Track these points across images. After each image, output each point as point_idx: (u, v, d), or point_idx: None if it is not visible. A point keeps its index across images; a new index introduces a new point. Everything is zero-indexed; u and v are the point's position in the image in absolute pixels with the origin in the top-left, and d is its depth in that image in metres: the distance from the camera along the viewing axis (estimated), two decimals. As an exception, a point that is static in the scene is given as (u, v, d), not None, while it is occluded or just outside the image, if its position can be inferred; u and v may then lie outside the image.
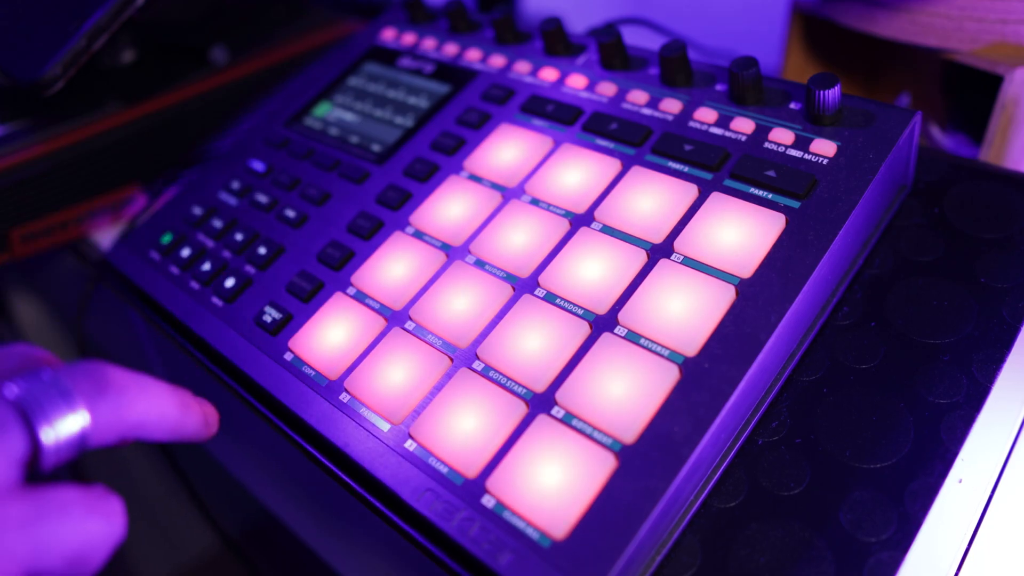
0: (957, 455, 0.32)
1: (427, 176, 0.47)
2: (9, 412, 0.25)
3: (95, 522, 0.25)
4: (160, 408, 0.29)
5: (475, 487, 0.32)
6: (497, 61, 0.52)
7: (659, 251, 0.37)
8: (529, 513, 0.31)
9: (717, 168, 0.39)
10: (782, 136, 0.39)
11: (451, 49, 0.55)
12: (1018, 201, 0.38)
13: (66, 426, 0.25)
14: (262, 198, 0.51)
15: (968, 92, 0.57)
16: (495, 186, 0.44)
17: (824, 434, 0.34)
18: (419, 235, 0.44)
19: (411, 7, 0.59)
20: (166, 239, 0.52)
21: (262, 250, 0.47)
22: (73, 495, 0.25)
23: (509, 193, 0.43)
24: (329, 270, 0.44)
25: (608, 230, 0.39)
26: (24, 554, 0.23)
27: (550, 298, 0.37)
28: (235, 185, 0.53)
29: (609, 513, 0.30)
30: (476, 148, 0.46)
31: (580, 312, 0.36)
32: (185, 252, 0.50)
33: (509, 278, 0.39)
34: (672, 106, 0.43)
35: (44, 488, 0.25)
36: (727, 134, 0.40)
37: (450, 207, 0.44)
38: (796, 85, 0.41)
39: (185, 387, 0.31)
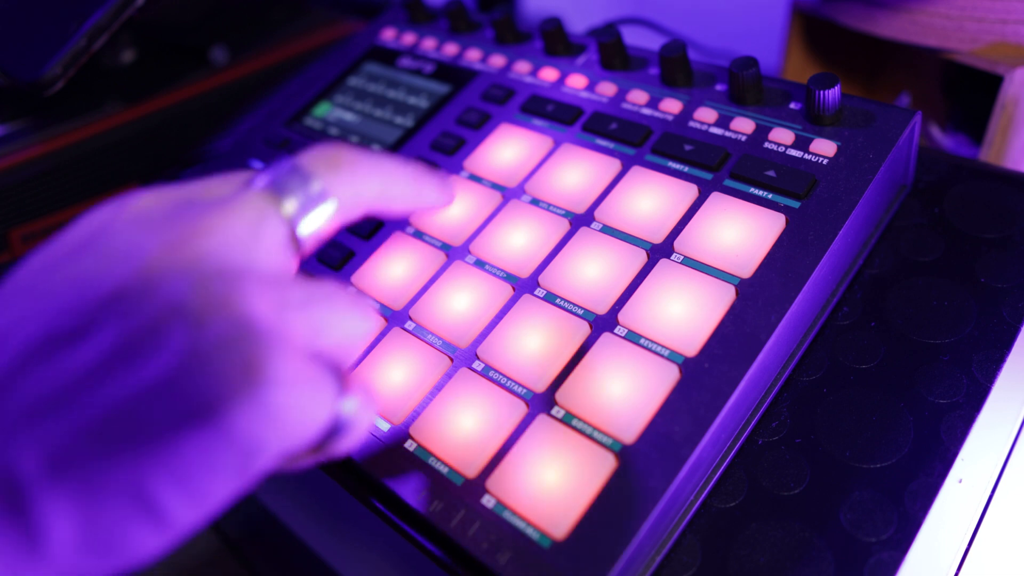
0: (957, 455, 0.32)
1: (427, 176, 0.46)
2: (268, 203, 0.25)
3: (357, 314, 0.26)
4: (396, 178, 0.29)
5: (475, 487, 0.32)
6: (497, 61, 0.52)
7: (659, 251, 0.37)
8: (529, 513, 0.31)
9: (717, 168, 0.39)
10: (782, 136, 0.39)
11: (451, 49, 0.55)
12: (1018, 201, 0.38)
13: (318, 213, 0.26)
14: (262, 198, 0.51)
15: (968, 92, 0.57)
16: (495, 186, 0.44)
17: (824, 434, 0.34)
18: (419, 235, 0.44)
19: (411, 7, 0.59)
20: (166, 239, 0.52)
21: (262, 250, 0.47)
22: (336, 288, 0.26)
23: (509, 193, 0.43)
24: (329, 270, 0.44)
25: (608, 230, 0.39)
26: (306, 333, 0.24)
27: (550, 298, 0.37)
28: (235, 185, 0.53)
29: (609, 513, 0.30)
30: (476, 148, 0.46)
31: (580, 312, 0.36)
32: (185, 252, 0.50)
33: (509, 278, 0.39)
34: (672, 106, 0.43)
35: (311, 278, 0.26)
36: (727, 134, 0.40)
37: (450, 207, 0.44)
38: (796, 85, 0.41)
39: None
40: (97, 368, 0.21)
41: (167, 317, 0.22)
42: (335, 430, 0.25)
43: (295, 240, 0.26)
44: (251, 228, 0.25)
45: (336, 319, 0.25)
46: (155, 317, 0.22)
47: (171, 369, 0.21)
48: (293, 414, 0.23)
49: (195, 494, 0.21)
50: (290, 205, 0.26)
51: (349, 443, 0.26)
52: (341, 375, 0.25)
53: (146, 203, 0.25)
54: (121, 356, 0.21)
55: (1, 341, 0.22)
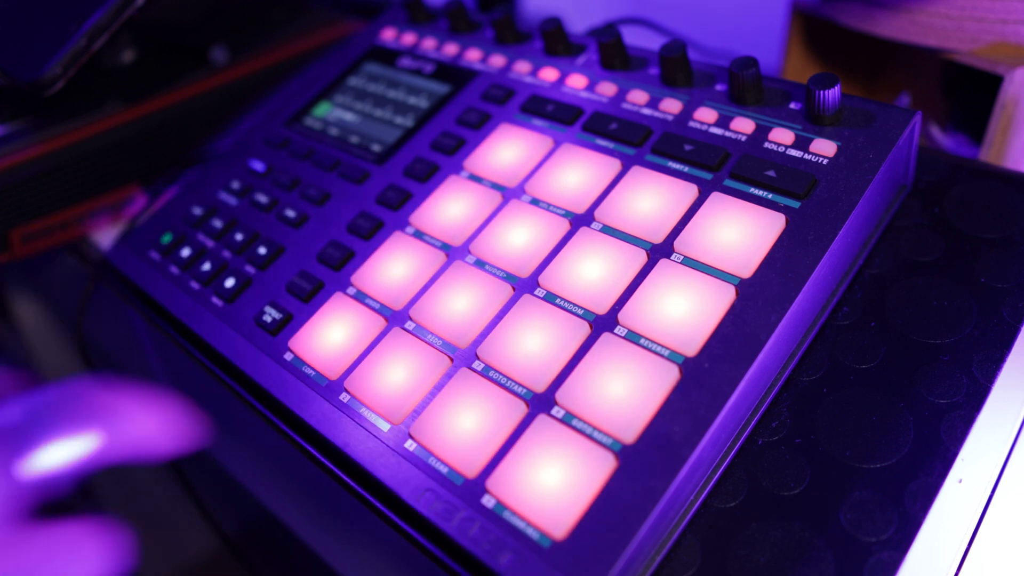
0: (957, 455, 0.32)
1: (427, 176, 0.47)
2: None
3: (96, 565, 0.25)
4: (143, 430, 0.28)
5: (475, 487, 0.32)
6: (497, 61, 0.52)
7: (659, 251, 0.37)
8: (529, 513, 0.31)
9: (717, 168, 0.39)
10: (782, 136, 0.39)
11: (451, 49, 0.55)
12: (1018, 201, 0.38)
13: (58, 454, 0.26)
14: (262, 198, 0.51)
15: (968, 92, 0.57)
16: (495, 186, 0.44)
17: (824, 434, 0.34)
18: (419, 235, 0.44)
19: (411, 7, 0.59)
20: (166, 239, 0.52)
21: (262, 250, 0.47)
22: (80, 531, 0.25)
23: (509, 193, 0.43)
24: (329, 270, 0.44)
25: (608, 230, 0.39)
26: None
27: (550, 298, 0.37)
28: (235, 185, 0.53)
29: (609, 513, 0.30)
30: (476, 148, 0.46)
31: (580, 312, 0.36)
32: (185, 252, 0.50)
33: (509, 278, 0.39)
34: (672, 106, 0.43)
35: (51, 525, 0.25)
36: (727, 134, 0.40)
37: (450, 207, 0.44)
38: (796, 85, 0.41)
39: (182, 391, 0.31)
40: None
41: None
42: None
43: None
44: None
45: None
46: None
47: None
48: None
49: None
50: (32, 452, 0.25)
51: None
52: None
53: None
54: None
55: None
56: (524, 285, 0.39)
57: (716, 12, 0.86)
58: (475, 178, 0.45)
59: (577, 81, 0.47)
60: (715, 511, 0.33)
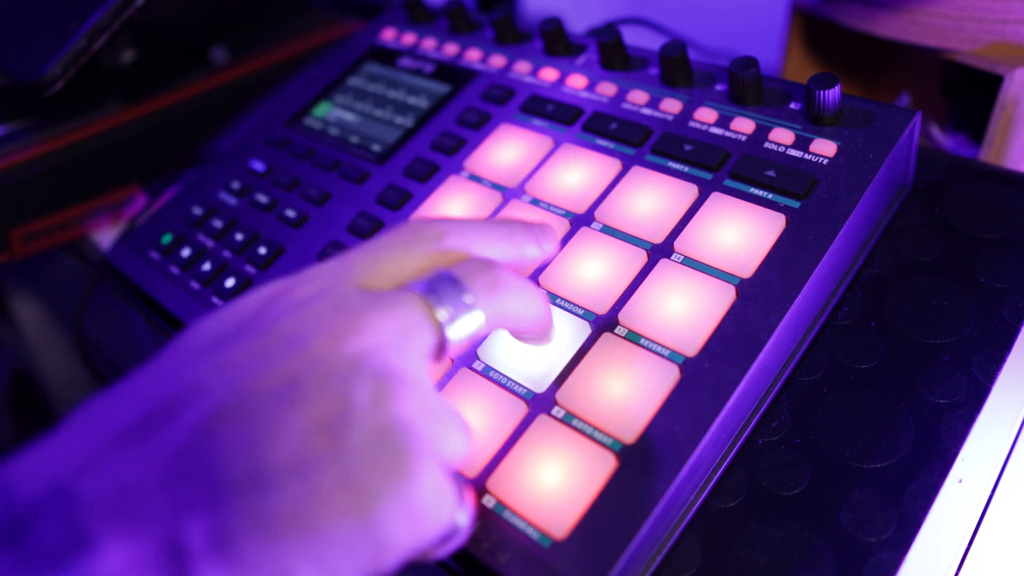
0: (957, 455, 0.32)
1: (427, 176, 0.47)
2: (420, 310, 0.27)
3: (467, 432, 0.27)
4: (536, 307, 0.31)
5: (475, 487, 0.32)
6: (497, 61, 0.52)
7: (659, 251, 0.37)
8: (529, 513, 0.31)
9: (717, 168, 0.39)
10: (782, 136, 0.39)
11: (451, 49, 0.55)
12: (1018, 201, 0.38)
13: (466, 325, 0.28)
14: (262, 198, 0.51)
15: (968, 92, 0.57)
16: (495, 186, 0.44)
17: (824, 434, 0.34)
18: (419, 235, 0.44)
19: (411, 7, 0.59)
20: (166, 239, 0.52)
21: (262, 250, 0.47)
22: (451, 404, 0.28)
23: (509, 193, 0.43)
24: (329, 270, 0.44)
25: (608, 230, 0.39)
26: (434, 441, 0.25)
27: (550, 298, 0.37)
28: (235, 185, 0.53)
29: (609, 513, 0.30)
30: (476, 148, 0.46)
31: (580, 312, 0.36)
32: (185, 252, 0.50)
33: (509, 278, 0.39)
34: (672, 106, 0.43)
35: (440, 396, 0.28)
36: (727, 134, 0.40)
37: (450, 207, 0.44)
38: (796, 85, 0.41)
39: None
40: (285, 458, 0.23)
41: (340, 412, 0.24)
42: (445, 537, 0.27)
43: (440, 347, 0.27)
44: (407, 330, 0.26)
45: (455, 432, 0.27)
46: (329, 411, 0.23)
47: (336, 463, 0.23)
48: (428, 516, 0.24)
49: None
50: (443, 313, 0.27)
51: (451, 551, 0.28)
52: (458, 485, 0.27)
53: (307, 291, 0.27)
54: (301, 448, 0.23)
55: (183, 405, 0.23)
56: (524, 285, 0.39)
57: (716, 12, 0.86)
58: (475, 178, 0.45)
59: (577, 81, 0.47)
60: (715, 511, 0.33)
